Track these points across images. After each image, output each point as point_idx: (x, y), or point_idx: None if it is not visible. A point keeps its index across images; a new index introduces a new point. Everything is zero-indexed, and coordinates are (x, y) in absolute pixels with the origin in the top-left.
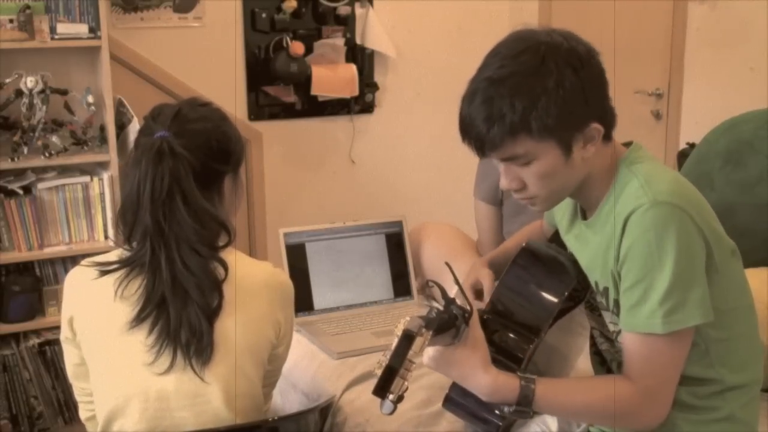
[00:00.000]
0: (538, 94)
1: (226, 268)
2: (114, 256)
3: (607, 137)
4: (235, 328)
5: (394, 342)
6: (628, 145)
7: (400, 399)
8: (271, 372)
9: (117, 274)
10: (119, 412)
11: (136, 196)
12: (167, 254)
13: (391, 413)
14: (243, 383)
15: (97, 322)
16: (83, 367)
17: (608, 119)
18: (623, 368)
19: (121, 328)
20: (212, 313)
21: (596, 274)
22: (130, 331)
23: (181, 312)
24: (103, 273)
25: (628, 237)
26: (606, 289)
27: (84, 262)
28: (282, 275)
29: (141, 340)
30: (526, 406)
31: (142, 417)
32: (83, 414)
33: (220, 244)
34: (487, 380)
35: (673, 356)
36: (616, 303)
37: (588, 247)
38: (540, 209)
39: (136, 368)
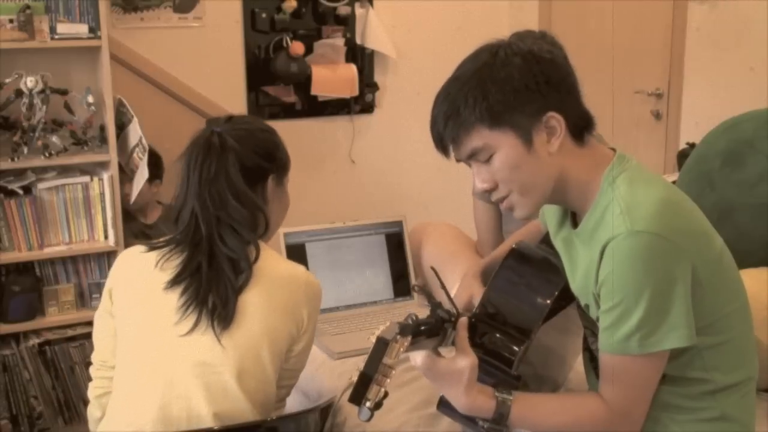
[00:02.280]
0: (488, 86)
1: (258, 251)
2: (164, 238)
3: (579, 138)
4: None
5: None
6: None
7: (377, 406)
8: (288, 373)
9: (162, 249)
10: (136, 378)
11: (186, 180)
12: (208, 231)
13: (368, 420)
14: (255, 365)
15: (133, 286)
16: (112, 341)
17: (576, 117)
18: (599, 387)
19: (155, 291)
20: (239, 288)
21: (577, 290)
22: (163, 293)
23: (212, 280)
24: (152, 248)
25: (605, 266)
26: (587, 306)
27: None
28: (314, 278)
29: (171, 303)
30: (500, 423)
31: (156, 381)
32: (94, 392)
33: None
34: (465, 400)
35: (647, 377)
36: (597, 318)
37: (575, 257)
38: (521, 214)
39: (163, 329)
